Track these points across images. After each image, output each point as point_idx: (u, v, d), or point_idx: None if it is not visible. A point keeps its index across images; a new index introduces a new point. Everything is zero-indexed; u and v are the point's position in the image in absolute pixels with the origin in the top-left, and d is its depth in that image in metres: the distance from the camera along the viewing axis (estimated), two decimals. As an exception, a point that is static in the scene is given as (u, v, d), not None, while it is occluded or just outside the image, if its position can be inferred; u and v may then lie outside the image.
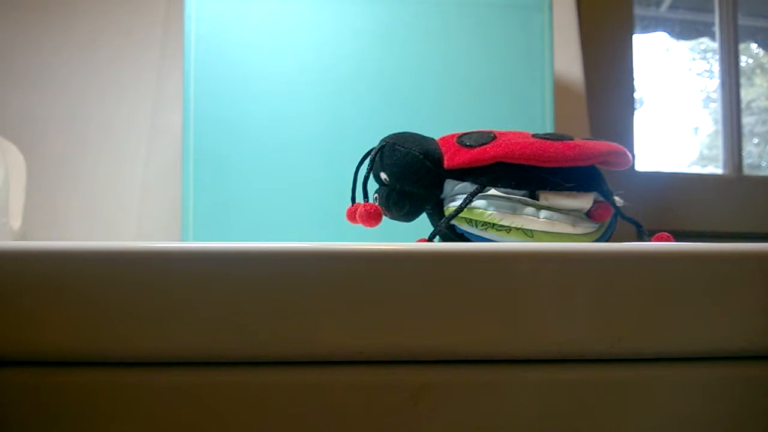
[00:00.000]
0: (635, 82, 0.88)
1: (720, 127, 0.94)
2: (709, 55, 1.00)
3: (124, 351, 0.22)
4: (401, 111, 0.55)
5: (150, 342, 0.22)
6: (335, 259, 0.22)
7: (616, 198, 0.34)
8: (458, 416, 0.23)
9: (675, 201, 0.88)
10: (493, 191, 0.31)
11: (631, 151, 0.87)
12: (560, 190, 0.31)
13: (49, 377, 0.22)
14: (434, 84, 0.56)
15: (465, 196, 0.31)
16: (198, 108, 0.53)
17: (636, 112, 0.89)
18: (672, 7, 0.98)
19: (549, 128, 0.56)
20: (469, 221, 0.31)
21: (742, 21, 0.95)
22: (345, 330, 0.22)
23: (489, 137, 0.32)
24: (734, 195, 0.90)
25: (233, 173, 0.53)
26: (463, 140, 0.32)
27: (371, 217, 0.32)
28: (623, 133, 0.87)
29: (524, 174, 0.31)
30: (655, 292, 0.23)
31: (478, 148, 0.31)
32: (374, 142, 0.35)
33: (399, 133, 0.34)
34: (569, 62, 0.72)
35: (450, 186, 0.32)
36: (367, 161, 0.34)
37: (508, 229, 0.31)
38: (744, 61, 1.00)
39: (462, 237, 0.33)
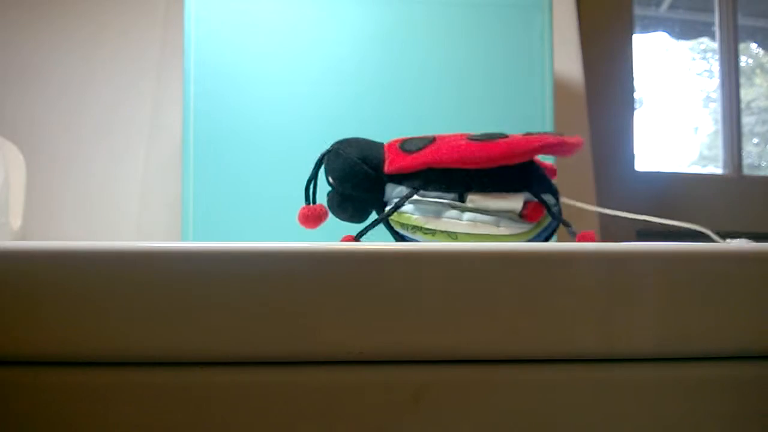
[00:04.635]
0: (635, 82, 0.88)
1: (720, 127, 0.94)
2: (709, 55, 1.00)
3: (124, 351, 0.22)
4: (401, 111, 0.55)
5: (150, 342, 0.22)
6: (335, 259, 0.22)
7: (564, 199, 0.34)
8: (458, 416, 0.23)
9: (675, 201, 0.88)
10: (416, 197, 0.32)
11: (631, 151, 0.87)
12: (487, 191, 0.31)
13: (48, 377, 0.22)
14: (434, 84, 0.56)
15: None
16: (198, 108, 0.53)
17: (636, 112, 0.89)
18: (672, 7, 0.98)
19: (549, 128, 0.56)
20: (402, 225, 0.32)
21: (742, 21, 0.95)
22: (345, 330, 0.22)
23: (426, 142, 0.33)
24: (734, 195, 0.90)
25: (233, 173, 0.53)
26: (404, 145, 0.33)
27: (309, 220, 0.34)
28: (623, 133, 0.87)
29: (452, 177, 0.31)
30: (655, 292, 0.23)
31: (412, 155, 0.32)
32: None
33: (345, 139, 0.35)
34: (569, 62, 0.72)
35: (390, 190, 0.33)
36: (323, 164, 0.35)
37: (433, 232, 0.32)
38: (744, 61, 1.00)
39: (403, 238, 0.34)
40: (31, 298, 0.22)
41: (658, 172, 0.90)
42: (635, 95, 0.89)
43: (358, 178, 0.33)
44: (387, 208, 0.33)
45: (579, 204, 0.35)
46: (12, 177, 0.51)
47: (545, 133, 0.33)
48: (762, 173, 0.99)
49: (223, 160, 0.53)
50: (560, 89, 0.71)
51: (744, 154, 0.93)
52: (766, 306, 0.24)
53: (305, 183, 0.35)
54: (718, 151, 0.94)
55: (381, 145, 0.34)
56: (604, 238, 0.73)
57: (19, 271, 0.22)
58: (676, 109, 1.01)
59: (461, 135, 0.33)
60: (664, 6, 0.98)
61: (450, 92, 0.56)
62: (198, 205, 0.52)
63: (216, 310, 0.22)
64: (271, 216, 0.53)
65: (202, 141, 0.53)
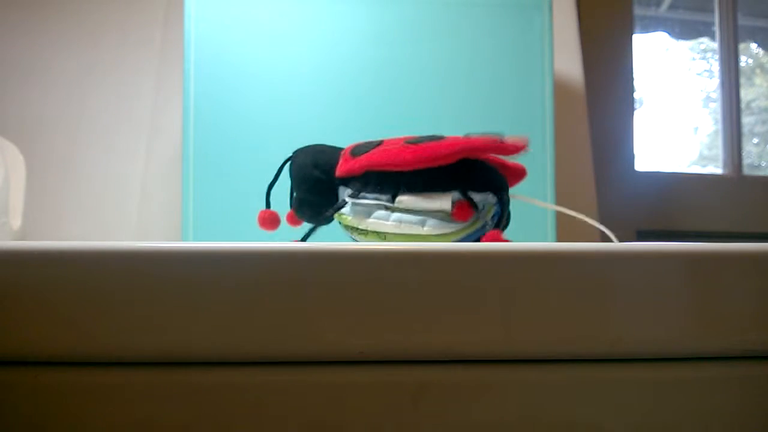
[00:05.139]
0: (635, 82, 0.89)
1: (720, 127, 0.94)
2: (709, 55, 1.00)
3: (124, 351, 0.22)
4: (401, 111, 0.55)
5: (150, 342, 0.22)
6: (335, 260, 0.22)
7: (518, 196, 0.35)
8: (458, 416, 0.23)
9: (675, 201, 0.88)
10: (355, 199, 0.33)
11: (631, 151, 0.88)
12: (418, 192, 0.32)
13: (47, 377, 0.22)
14: (434, 84, 0.56)
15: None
16: (198, 108, 0.53)
17: (636, 112, 0.89)
18: (672, 7, 0.98)
19: (549, 128, 0.56)
20: (344, 227, 0.34)
21: (742, 21, 0.95)
22: (345, 330, 0.22)
23: (371, 146, 0.34)
24: (734, 195, 0.90)
25: (233, 173, 0.53)
26: (354, 150, 0.34)
27: (264, 223, 0.36)
28: (623, 133, 0.87)
29: (387, 179, 0.32)
30: (655, 292, 0.23)
31: (355, 158, 0.33)
32: (374, 142, 0.36)
33: (306, 146, 0.37)
34: (569, 62, 0.72)
35: (341, 192, 0.35)
36: (286, 169, 0.37)
37: (365, 232, 0.33)
38: (744, 61, 1.00)
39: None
40: (32, 298, 0.22)
41: (658, 172, 0.90)
42: (635, 95, 0.89)
43: (310, 183, 0.35)
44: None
45: (530, 200, 0.36)
46: (12, 177, 0.51)
47: (488, 135, 0.33)
48: (762, 173, 0.99)
49: (223, 160, 0.53)
50: (560, 89, 0.71)
51: (744, 154, 0.93)
52: (766, 306, 0.24)
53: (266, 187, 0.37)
54: (718, 151, 0.94)
55: (339, 150, 0.36)
56: (604, 238, 0.73)
57: (19, 271, 0.22)
58: (676, 109, 1.01)
59: (399, 139, 0.34)
60: (664, 6, 0.98)
61: (449, 92, 0.56)
62: (198, 205, 0.52)
63: (216, 310, 0.22)
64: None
65: (202, 141, 0.53)
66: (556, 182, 0.56)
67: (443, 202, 0.31)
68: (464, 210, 0.32)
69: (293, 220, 0.37)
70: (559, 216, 0.56)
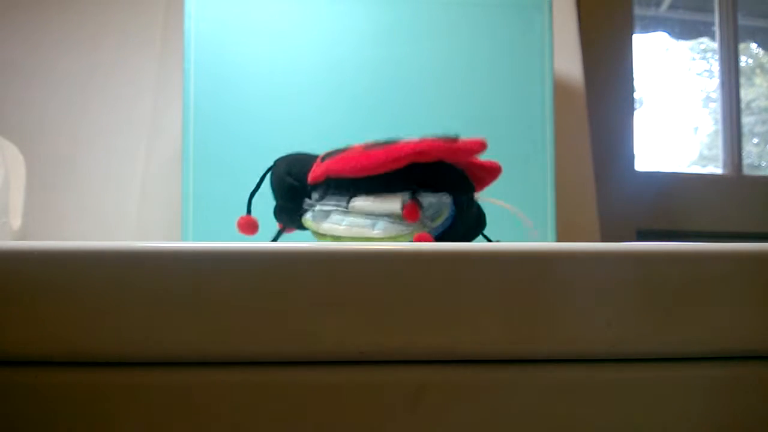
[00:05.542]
0: (635, 82, 0.89)
1: (720, 127, 0.94)
2: (709, 55, 1.00)
3: (123, 351, 0.22)
4: (401, 111, 0.55)
5: (150, 342, 0.22)
6: (335, 260, 0.22)
7: (485, 198, 0.35)
8: (458, 416, 0.23)
9: (675, 201, 0.88)
10: (318, 204, 0.35)
11: (631, 151, 0.88)
12: (369, 194, 0.33)
13: (49, 377, 0.22)
14: (434, 84, 0.56)
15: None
16: (198, 108, 0.53)
17: (636, 112, 0.89)
18: (672, 7, 0.98)
19: (549, 128, 0.56)
20: (311, 230, 0.35)
21: (742, 21, 0.95)
22: (345, 330, 0.22)
23: (336, 153, 0.35)
24: (734, 195, 0.90)
25: (233, 173, 0.53)
26: (323, 157, 0.36)
27: (242, 228, 0.37)
28: (623, 133, 0.87)
29: (343, 184, 0.34)
30: (655, 292, 0.23)
31: (320, 165, 0.35)
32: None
33: (286, 155, 0.38)
34: (569, 62, 0.72)
35: (313, 198, 0.36)
36: (268, 178, 0.39)
37: (323, 236, 0.34)
38: (744, 61, 1.00)
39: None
40: (31, 298, 0.22)
41: (658, 172, 0.90)
42: (635, 95, 0.89)
43: (284, 190, 0.37)
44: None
45: (492, 200, 0.36)
46: (12, 177, 0.51)
47: (441, 137, 0.32)
48: (762, 173, 0.99)
49: (224, 160, 0.53)
50: (560, 89, 0.71)
51: (744, 154, 0.93)
52: (766, 306, 0.24)
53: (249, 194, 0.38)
54: (718, 151, 0.94)
55: (315, 157, 0.37)
56: (604, 238, 0.73)
57: (19, 271, 0.22)
58: (676, 109, 1.01)
59: (357, 147, 0.35)
60: (664, 6, 0.98)
61: (449, 92, 0.56)
62: (198, 205, 0.52)
63: (216, 310, 0.22)
64: (270, 216, 0.53)
65: (202, 141, 0.53)
66: (556, 182, 0.56)
67: (393, 204, 0.32)
68: (410, 211, 0.32)
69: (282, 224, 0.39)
70: (559, 216, 0.56)
